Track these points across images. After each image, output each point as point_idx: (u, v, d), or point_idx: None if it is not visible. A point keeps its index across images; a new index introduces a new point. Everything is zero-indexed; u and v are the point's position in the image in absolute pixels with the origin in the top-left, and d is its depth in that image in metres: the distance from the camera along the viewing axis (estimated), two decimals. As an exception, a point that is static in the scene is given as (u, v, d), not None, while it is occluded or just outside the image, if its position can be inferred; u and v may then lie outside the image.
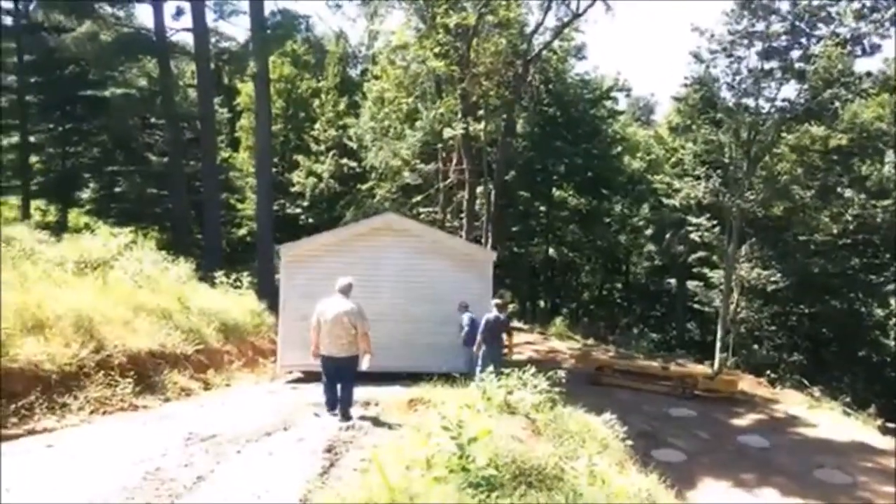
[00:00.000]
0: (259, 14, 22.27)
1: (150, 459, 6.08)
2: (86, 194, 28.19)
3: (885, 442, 14.79)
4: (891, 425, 17.35)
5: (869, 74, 23.09)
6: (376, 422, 8.04)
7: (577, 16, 25.28)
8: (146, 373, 9.23)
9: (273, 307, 14.76)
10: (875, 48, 22.09)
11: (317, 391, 8.75)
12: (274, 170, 29.36)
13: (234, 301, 14.70)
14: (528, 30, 26.38)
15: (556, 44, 29.33)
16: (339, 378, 8.23)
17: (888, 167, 28.27)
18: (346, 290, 8.22)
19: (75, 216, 27.02)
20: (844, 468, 12.55)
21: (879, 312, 27.87)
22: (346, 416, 8.08)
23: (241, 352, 12.99)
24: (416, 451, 5.25)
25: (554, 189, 34.92)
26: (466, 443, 5.01)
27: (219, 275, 15.83)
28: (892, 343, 27.49)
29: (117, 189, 27.86)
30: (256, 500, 5.26)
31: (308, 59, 36.16)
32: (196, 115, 25.50)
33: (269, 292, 17.11)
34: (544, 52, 28.22)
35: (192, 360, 10.58)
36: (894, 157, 28.18)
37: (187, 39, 25.31)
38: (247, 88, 33.64)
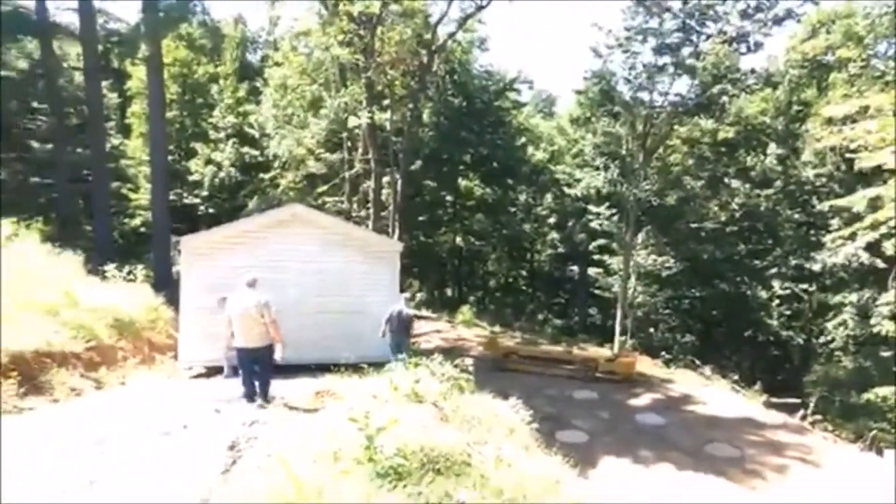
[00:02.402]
0: (151, -6, 21.21)
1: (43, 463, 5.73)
2: (-41, 184, 25.96)
3: (769, 416, 15.88)
4: (774, 400, 18.68)
5: (753, 71, 24.56)
6: (281, 416, 7.86)
7: (480, 7, 25.47)
8: (31, 373, 8.63)
9: (171, 301, 14.15)
10: (758, 46, 23.47)
11: (218, 386, 8.49)
12: (170, 158, 28.12)
13: (128, 295, 13.91)
14: (433, 20, 26.30)
15: (460, 35, 29.50)
16: (257, 368, 8.38)
17: (770, 158, 30.16)
18: (252, 284, 8.43)
19: (-53, 208, 24.83)
20: (733, 442, 13.37)
21: (763, 295, 29.71)
22: (265, 402, 8.29)
23: (136, 348, 12.33)
24: (323, 444, 5.18)
25: (460, 179, 35.23)
26: (374, 433, 4.99)
27: (110, 268, 14.97)
28: (775, 323, 29.37)
29: (-4, 178, 25.77)
30: (153, 501, 5.04)
31: (205, 42, 34.76)
32: (82, 100, 23.99)
33: (166, 285, 16.39)
34: (449, 43, 28.30)
35: (82, 359, 9.97)
36: (776, 149, 30.08)
37: (72, 19, 23.78)
38: (138, 72, 31.91)
